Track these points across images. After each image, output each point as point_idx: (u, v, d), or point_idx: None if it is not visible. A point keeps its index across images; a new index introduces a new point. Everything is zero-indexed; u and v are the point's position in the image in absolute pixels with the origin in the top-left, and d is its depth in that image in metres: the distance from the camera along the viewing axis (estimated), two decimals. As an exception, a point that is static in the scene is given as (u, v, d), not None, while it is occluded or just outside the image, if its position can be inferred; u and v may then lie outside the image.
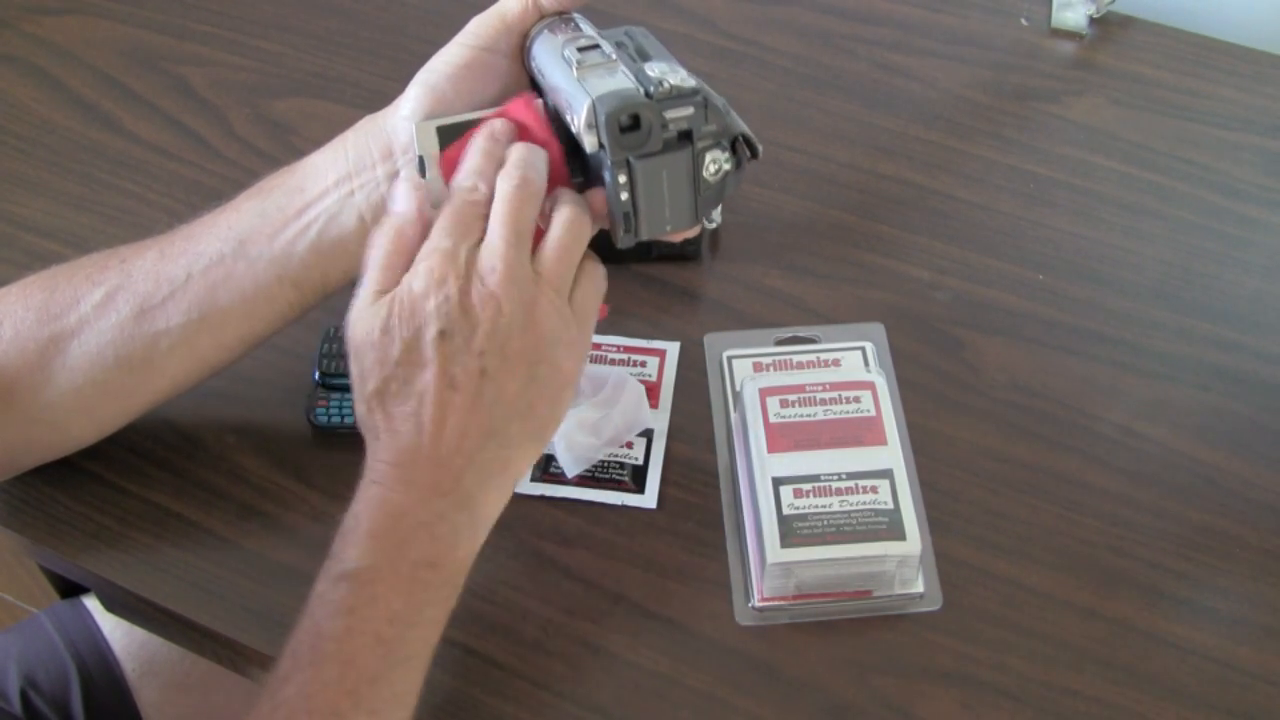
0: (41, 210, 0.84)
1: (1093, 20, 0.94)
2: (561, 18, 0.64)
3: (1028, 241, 0.81)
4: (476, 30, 0.62)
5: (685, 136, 0.58)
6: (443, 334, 0.54)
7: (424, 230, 0.57)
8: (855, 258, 0.80)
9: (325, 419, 0.70)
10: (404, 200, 0.58)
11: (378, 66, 0.93)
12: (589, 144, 0.58)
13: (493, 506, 0.57)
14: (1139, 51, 0.93)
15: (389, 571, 0.53)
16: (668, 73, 0.58)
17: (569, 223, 0.58)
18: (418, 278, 0.55)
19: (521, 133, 0.62)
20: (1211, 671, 0.63)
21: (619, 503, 0.69)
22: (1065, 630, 0.64)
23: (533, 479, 0.69)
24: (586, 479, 0.69)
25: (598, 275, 0.60)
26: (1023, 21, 0.95)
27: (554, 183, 0.61)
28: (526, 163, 0.59)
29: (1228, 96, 0.90)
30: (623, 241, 0.60)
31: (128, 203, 0.84)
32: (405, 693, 0.54)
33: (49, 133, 0.89)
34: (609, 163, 0.57)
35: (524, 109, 0.62)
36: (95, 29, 0.97)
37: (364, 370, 0.55)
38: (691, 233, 0.62)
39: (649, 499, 0.69)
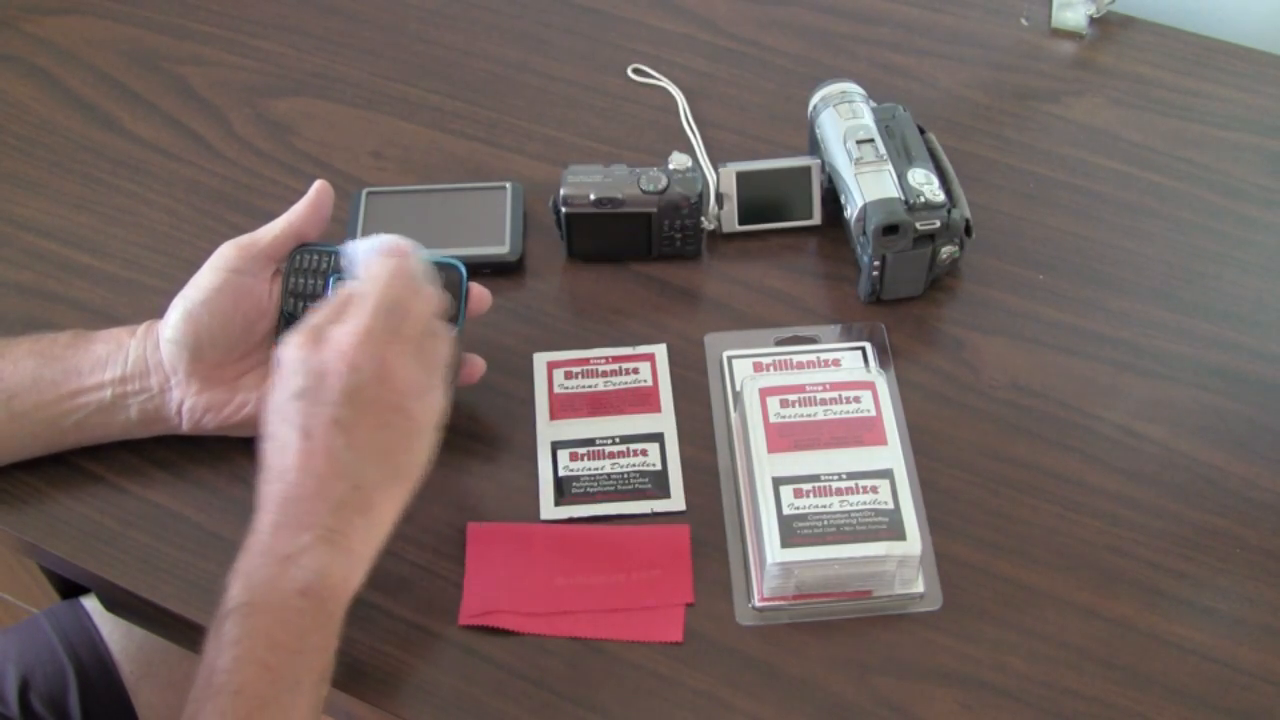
0: (41, 210, 0.84)
1: (1093, 20, 0.94)
2: (841, 90, 0.80)
3: (1028, 241, 0.81)
4: (227, 254, 0.68)
5: (929, 237, 0.73)
6: (301, 390, 0.59)
7: None
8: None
9: None
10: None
11: (378, 66, 0.93)
12: (855, 231, 0.75)
13: (362, 544, 0.60)
14: (1139, 51, 0.93)
15: (264, 603, 0.56)
16: (924, 184, 0.73)
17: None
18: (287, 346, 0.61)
19: None
20: (1211, 671, 0.62)
21: (649, 510, 0.68)
22: (1065, 630, 0.64)
23: (556, 504, 0.68)
24: (609, 493, 0.69)
25: (444, 332, 0.64)
26: (1023, 21, 0.95)
27: None
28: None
29: (1228, 96, 0.90)
30: (865, 298, 0.76)
31: (128, 203, 0.84)
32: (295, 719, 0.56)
33: (49, 133, 0.89)
34: (869, 251, 0.73)
35: None
36: (95, 29, 0.97)
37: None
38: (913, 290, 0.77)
39: (677, 501, 0.68)
